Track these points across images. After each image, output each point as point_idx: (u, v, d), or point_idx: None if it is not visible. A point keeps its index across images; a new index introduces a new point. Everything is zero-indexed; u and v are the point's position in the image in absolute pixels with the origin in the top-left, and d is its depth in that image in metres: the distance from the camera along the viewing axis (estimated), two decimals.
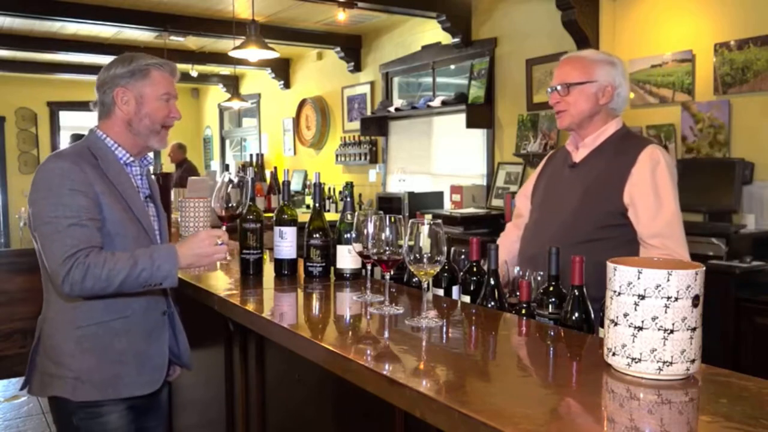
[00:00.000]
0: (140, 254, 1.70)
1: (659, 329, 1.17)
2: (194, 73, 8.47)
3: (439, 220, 1.58)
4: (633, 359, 1.19)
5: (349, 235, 2.07)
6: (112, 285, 1.66)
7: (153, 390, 1.86)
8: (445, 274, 1.98)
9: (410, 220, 1.58)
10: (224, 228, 1.98)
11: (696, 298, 1.17)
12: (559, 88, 2.10)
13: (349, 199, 2.18)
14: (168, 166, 8.18)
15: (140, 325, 1.83)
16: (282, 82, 8.60)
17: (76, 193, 1.68)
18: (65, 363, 1.74)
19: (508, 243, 2.28)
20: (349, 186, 2.21)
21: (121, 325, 1.79)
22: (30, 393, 1.83)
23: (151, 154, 1.97)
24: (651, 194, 1.95)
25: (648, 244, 1.95)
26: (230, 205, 2.03)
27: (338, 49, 7.15)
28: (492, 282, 1.81)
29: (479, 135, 5.64)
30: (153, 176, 2.05)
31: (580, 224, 2.02)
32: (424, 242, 1.54)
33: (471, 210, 5.22)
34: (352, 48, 7.19)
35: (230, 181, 2.05)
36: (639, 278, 1.18)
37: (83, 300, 1.73)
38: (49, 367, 1.76)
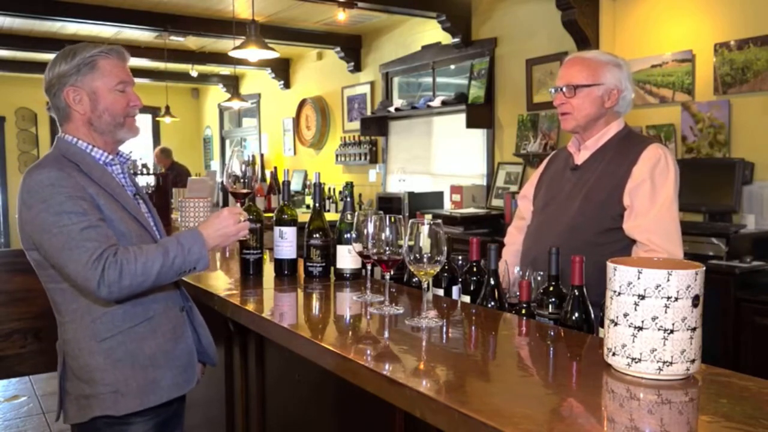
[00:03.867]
0: (168, 242, 1.63)
1: (659, 329, 1.17)
2: (194, 73, 8.48)
3: (439, 220, 1.58)
4: (633, 359, 1.19)
5: (349, 235, 2.07)
6: (149, 278, 1.58)
7: (189, 389, 1.80)
8: (445, 274, 1.98)
9: (410, 220, 1.58)
10: (239, 205, 1.96)
11: (696, 298, 1.17)
12: (564, 89, 2.06)
13: (349, 199, 2.18)
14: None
15: (164, 325, 1.75)
16: (282, 82, 8.61)
17: (74, 198, 1.58)
18: (98, 379, 1.65)
19: (513, 253, 2.27)
20: (349, 186, 2.21)
21: (145, 329, 1.70)
22: (68, 422, 1.71)
23: (125, 150, 1.85)
24: (648, 191, 1.93)
25: (637, 240, 1.94)
26: (243, 180, 2.00)
27: (338, 49, 7.16)
28: (492, 282, 1.81)
29: (479, 135, 5.65)
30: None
31: (582, 228, 2.01)
32: (424, 242, 1.54)
33: (471, 210, 5.22)
34: (352, 48, 7.19)
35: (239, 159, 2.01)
36: (639, 278, 1.18)
37: (102, 311, 1.65)
38: (83, 389, 1.66)
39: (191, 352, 1.82)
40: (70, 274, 1.57)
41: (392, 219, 1.66)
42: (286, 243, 2.23)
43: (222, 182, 2.07)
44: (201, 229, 1.71)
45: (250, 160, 2.04)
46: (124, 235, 1.66)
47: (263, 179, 5.01)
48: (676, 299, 1.16)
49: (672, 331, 1.16)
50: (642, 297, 1.18)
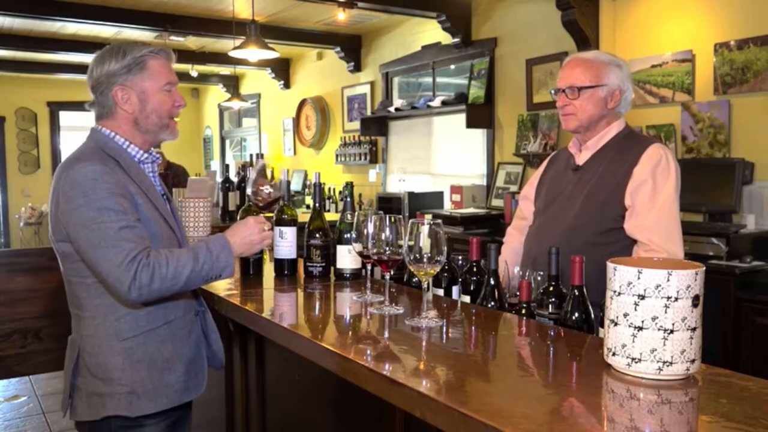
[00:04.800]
0: (197, 247, 1.65)
1: (659, 329, 1.17)
2: (194, 73, 8.48)
3: (439, 220, 1.58)
4: (633, 359, 1.19)
5: (349, 235, 2.07)
6: (179, 283, 1.59)
7: (200, 393, 1.82)
8: (445, 274, 1.98)
9: (410, 220, 1.58)
10: (262, 215, 1.99)
11: (696, 298, 1.17)
12: (567, 90, 2.05)
13: (349, 199, 2.18)
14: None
15: (182, 329, 1.76)
16: (282, 82, 8.61)
17: (115, 195, 1.58)
18: (115, 378, 1.65)
19: (512, 251, 2.27)
20: (349, 186, 2.21)
21: (165, 332, 1.71)
22: (75, 418, 1.69)
23: (155, 149, 1.86)
24: (649, 191, 1.93)
25: (638, 240, 1.94)
26: (267, 192, 2.05)
27: (338, 49, 7.16)
28: (492, 282, 1.81)
29: (479, 135, 5.65)
30: None
31: (583, 228, 2.00)
32: (424, 242, 1.54)
33: (471, 210, 5.22)
34: (352, 48, 7.19)
35: (263, 171, 2.06)
36: (639, 278, 1.18)
37: (126, 311, 1.65)
38: (98, 387, 1.65)
39: (202, 356, 1.84)
40: (102, 272, 1.56)
41: (392, 219, 1.66)
42: (286, 243, 2.23)
43: (247, 195, 2.12)
44: (227, 236, 1.72)
45: (272, 174, 2.10)
46: (156, 237, 1.67)
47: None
48: (676, 299, 1.16)
49: (672, 331, 1.16)
50: (642, 297, 1.18)
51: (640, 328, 1.18)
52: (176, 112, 1.79)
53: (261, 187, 2.06)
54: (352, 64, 7.20)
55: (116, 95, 1.71)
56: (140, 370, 1.67)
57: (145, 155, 1.77)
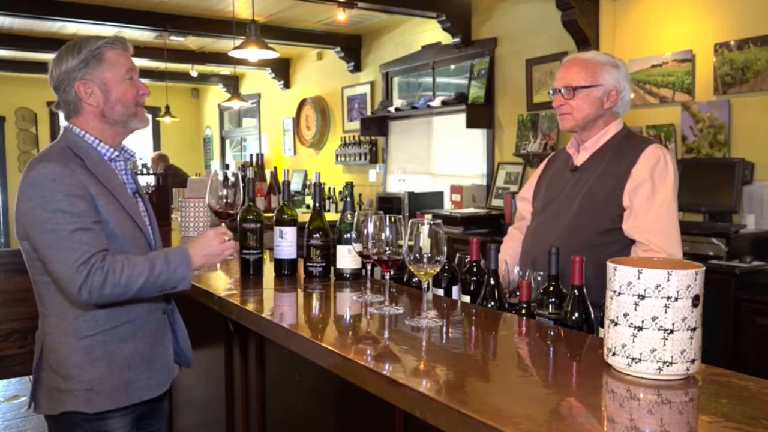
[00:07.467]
0: (155, 257, 1.65)
1: (659, 329, 1.17)
2: (194, 73, 8.48)
3: (439, 220, 1.58)
4: (633, 359, 1.19)
5: (349, 235, 2.07)
6: (131, 291, 1.60)
7: (162, 392, 1.81)
8: (445, 274, 1.98)
9: (410, 220, 1.58)
10: (224, 225, 1.96)
11: (696, 298, 1.17)
12: (563, 90, 2.06)
13: (349, 199, 2.18)
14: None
15: (145, 327, 1.75)
16: (282, 82, 8.61)
17: (72, 197, 1.59)
18: (74, 375, 1.66)
19: (512, 249, 2.28)
20: (349, 186, 2.21)
21: (126, 330, 1.71)
22: (38, 411, 1.71)
23: (131, 147, 1.86)
24: (647, 192, 1.94)
25: (636, 241, 1.94)
26: (227, 201, 2.01)
27: (338, 49, 7.16)
28: (492, 282, 1.81)
29: (479, 135, 5.65)
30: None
31: (581, 229, 2.01)
32: (424, 242, 1.54)
33: (471, 210, 5.22)
34: (352, 48, 7.20)
35: (225, 177, 2.02)
36: (639, 278, 1.18)
37: (85, 309, 1.65)
38: (58, 382, 1.67)
39: (169, 355, 1.84)
40: (54, 273, 1.58)
41: (392, 219, 1.66)
42: (286, 243, 2.23)
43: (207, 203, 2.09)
44: (188, 248, 1.73)
45: (232, 181, 2.03)
46: (117, 238, 1.67)
47: (263, 179, 4.99)
48: (676, 299, 1.16)
49: (672, 331, 1.16)
50: (642, 297, 1.18)
51: (640, 328, 1.18)
52: (141, 100, 1.79)
53: (216, 198, 2.03)
54: (352, 64, 7.20)
55: (78, 90, 1.71)
56: (99, 368, 1.67)
57: (116, 153, 1.77)
